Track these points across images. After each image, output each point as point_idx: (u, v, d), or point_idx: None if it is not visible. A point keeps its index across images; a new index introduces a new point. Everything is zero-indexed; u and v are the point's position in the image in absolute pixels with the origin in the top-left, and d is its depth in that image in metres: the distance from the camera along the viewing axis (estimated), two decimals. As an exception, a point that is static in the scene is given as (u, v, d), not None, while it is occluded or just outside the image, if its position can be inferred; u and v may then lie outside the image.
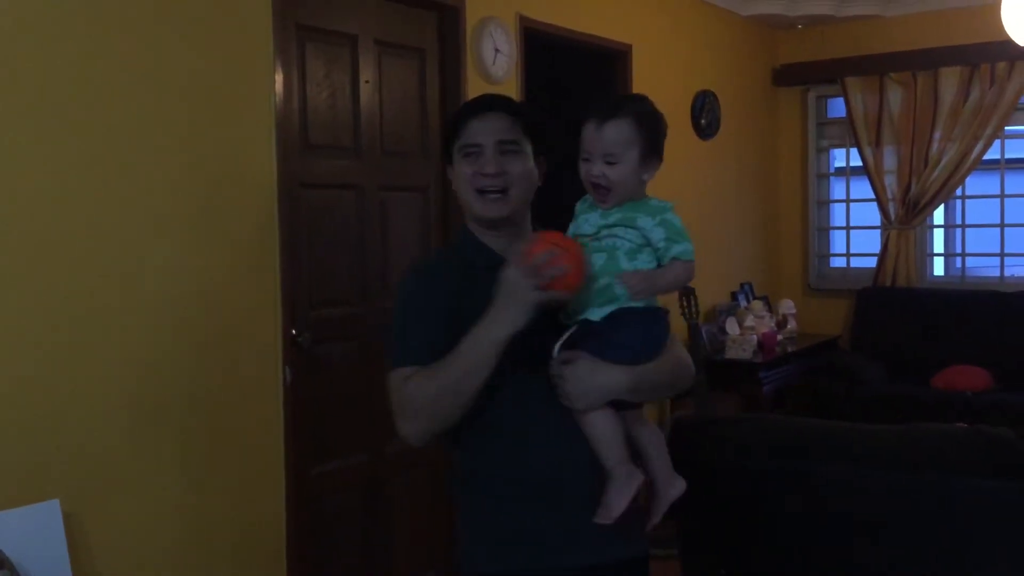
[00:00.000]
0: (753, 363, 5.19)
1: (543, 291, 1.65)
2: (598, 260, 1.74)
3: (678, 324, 5.14)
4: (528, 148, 1.84)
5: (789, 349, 5.59)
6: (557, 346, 1.75)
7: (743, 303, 5.81)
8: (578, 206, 1.84)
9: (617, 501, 1.72)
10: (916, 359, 5.57)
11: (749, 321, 5.52)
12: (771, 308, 6.01)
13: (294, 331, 3.16)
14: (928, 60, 5.81)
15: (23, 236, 2.42)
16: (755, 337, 5.38)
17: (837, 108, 6.41)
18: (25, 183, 2.43)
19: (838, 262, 6.51)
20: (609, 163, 1.74)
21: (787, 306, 6.04)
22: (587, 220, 1.80)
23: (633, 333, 1.75)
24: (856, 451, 2.52)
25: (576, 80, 4.91)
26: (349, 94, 3.43)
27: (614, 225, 1.75)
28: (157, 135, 2.72)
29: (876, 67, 5.96)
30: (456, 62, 3.79)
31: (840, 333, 6.17)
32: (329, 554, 3.32)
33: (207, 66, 2.86)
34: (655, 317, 1.80)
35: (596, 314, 1.74)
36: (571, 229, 1.82)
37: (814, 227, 6.49)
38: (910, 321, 5.75)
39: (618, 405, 1.77)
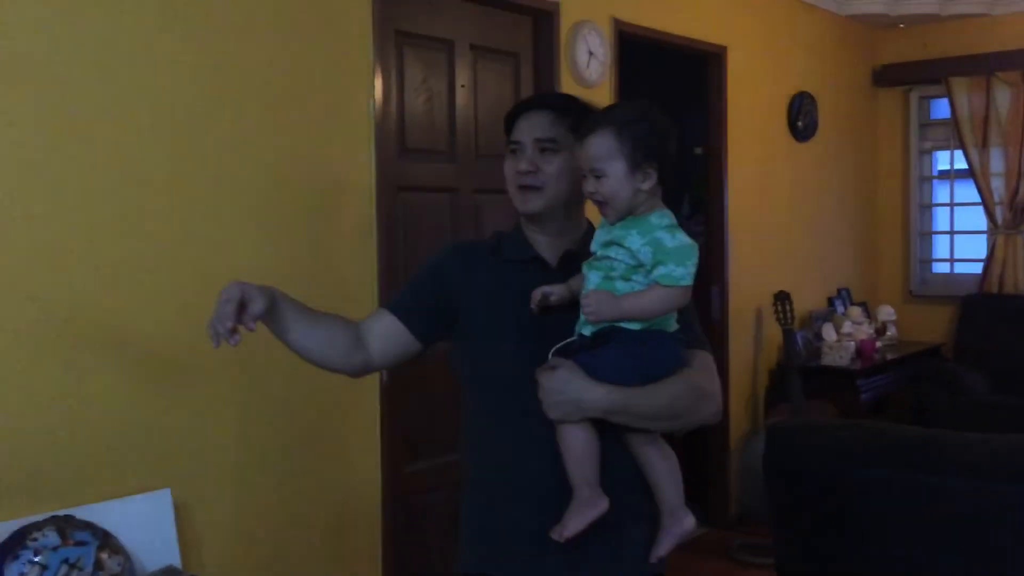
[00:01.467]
0: (851, 370, 5.09)
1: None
2: (594, 279, 1.70)
3: (773, 330, 5.08)
4: (571, 148, 1.81)
5: (888, 357, 5.45)
6: (552, 351, 1.73)
7: (840, 309, 5.69)
8: (600, 222, 1.81)
9: (573, 522, 1.66)
10: (1023, 369, 5.37)
11: (847, 327, 5.41)
12: (870, 314, 5.87)
13: (390, 331, 3.21)
14: (1038, 59, 5.61)
15: (129, 246, 2.53)
16: (853, 344, 5.26)
17: (940, 109, 6.22)
18: (130, 189, 2.53)
19: (941, 268, 6.32)
20: (598, 177, 1.70)
21: (887, 312, 5.89)
22: (596, 237, 1.76)
23: (619, 354, 1.68)
24: (959, 460, 2.45)
25: (671, 82, 4.89)
26: (445, 98, 3.48)
27: (609, 243, 1.71)
28: (258, 140, 2.80)
29: (982, 67, 5.77)
30: (550, 66, 3.82)
31: (943, 341, 5.99)
32: (422, 549, 3.37)
33: (309, 72, 2.94)
34: (653, 341, 1.70)
35: (588, 329, 1.70)
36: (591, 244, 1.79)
37: (916, 231, 6.31)
38: (1018, 329, 5.55)
39: (614, 427, 1.70)
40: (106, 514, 2.33)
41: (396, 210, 3.28)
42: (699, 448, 5.04)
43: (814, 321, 5.46)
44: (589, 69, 3.97)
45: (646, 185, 1.70)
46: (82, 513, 2.27)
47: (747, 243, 5.03)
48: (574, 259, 1.82)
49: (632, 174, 1.68)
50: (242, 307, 1.69)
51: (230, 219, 2.73)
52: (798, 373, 4.83)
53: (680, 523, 1.75)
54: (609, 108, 1.79)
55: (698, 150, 5.13)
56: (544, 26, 3.82)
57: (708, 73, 4.85)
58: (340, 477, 3.04)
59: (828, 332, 5.35)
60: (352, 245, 3.09)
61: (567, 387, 1.67)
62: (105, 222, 2.46)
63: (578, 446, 1.69)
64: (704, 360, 1.82)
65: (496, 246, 1.92)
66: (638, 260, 1.67)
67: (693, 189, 5.37)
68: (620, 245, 1.68)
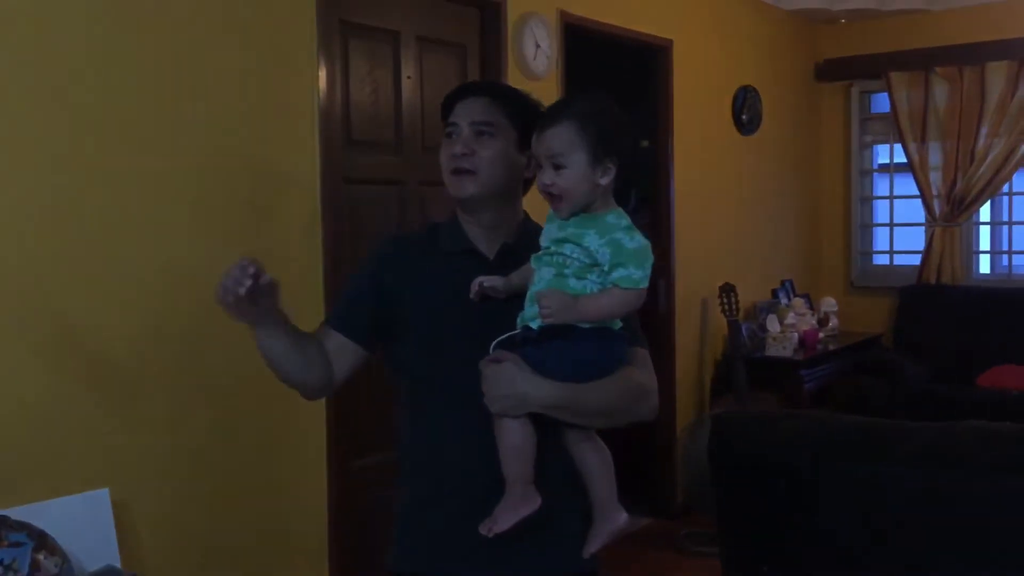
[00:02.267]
0: (794, 361, 5.16)
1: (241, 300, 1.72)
2: (546, 274, 1.66)
3: (718, 321, 5.14)
4: (508, 134, 1.80)
5: (831, 347, 5.54)
6: (494, 343, 1.69)
7: (784, 300, 5.77)
8: (548, 215, 1.76)
9: (503, 518, 1.63)
10: (961, 358, 5.50)
11: (790, 318, 5.48)
12: (812, 306, 5.96)
13: (336, 325, 3.18)
14: (975, 55, 5.72)
15: (64, 238, 2.47)
16: (796, 335, 5.34)
17: (881, 103, 6.33)
18: (64, 182, 2.47)
19: (881, 259, 6.44)
20: (557, 168, 1.64)
21: (829, 304, 5.99)
22: (546, 232, 1.71)
23: (562, 350, 1.65)
24: (899, 448, 2.50)
25: (617, 75, 4.90)
26: (391, 90, 3.45)
27: (563, 240, 1.66)
28: (200, 132, 2.76)
29: (921, 62, 5.88)
30: (497, 58, 3.81)
31: (883, 331, 6.10)
32: (370, 546, 3.34)
33: (251, 63, 2.89)
34: (601, 338, 1.68)
35: (535, 323, 1.66)
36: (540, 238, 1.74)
37: (857, 224, 6.42)
38: (955, 319, 5.68)
39: (551, 422, 1.68)
40: (43, 514, 2.27)
41: (342, 202, 3.25)
42: (645, 438, 5.07)
43: (758, 312, 5.52)
44: (536, 61, 3.96)
45: (604, 180, 1.66)
46: (17, 514, 2.22)
47: (693, 235, 5.08)
48: (511, 253, 1.80)
49: (592, 168, 1.65)
50: (255, 277, 1.67)
51: (170, 213, 2.68)
52: (743, 364, 4.88)
53: (612, 520, 1.73)
54: (571, 99, 1.76)
55: (644, 143, 5.16)
56: (491, 18, 3.80)
57: (654, 66, 4.87)
58: (284, 473, 3.01)
59: (772, 323, 5.42)
60: (298, 238, 3.05)
61: (512, 381, 1.64)
62: (38, 217, 2.40)
63: (515, 441, 1.66)
64: (643, 357, 1.82)
65: (431, 237, 1.89)
66: (594, 260, 1.64)
67: (639, 182, 5.41)
68: (576, 243, 1.64)
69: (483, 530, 1.64)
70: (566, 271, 1.65)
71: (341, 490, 3.18)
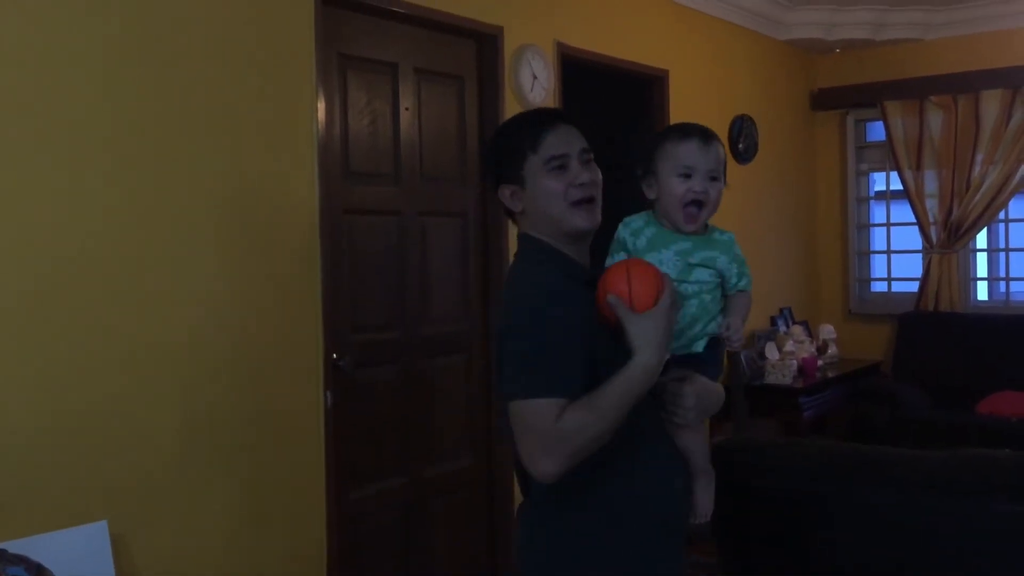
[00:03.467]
0: (793, 388, 5.16)
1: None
2: (691, 306, 1.78)
3: (717, 349, 5.13)
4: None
5: (830, 374, 5.54)
6: (671, 370, 1.80)
7: (783, 328, 5.78)
8: (622, 231, 1.82)
9: (709, 501, 1.88)
10: (960, 385, 5.49)
11: (789, 346, 5.49)
12: (811, 333, 5.97)
13: (335, 355, 3.19)
14: (969, 83, 5.77)
15: (69, 267, 2.48)
16: (795, 362, 5.34)
17: (876, 132, 6.37)
18: (72, 214, 2.48)
19: (879, 287, 6.45)
20: (714, 180, 1.78)
21: (827, 331, 5.99)
22: (661, 261, 1.75)
23: (715, 359, 1.87)
24: (898, 476, 2.49)
25: (614, 105, 4.94)
26: (389, 121, 3.48)
27: (694, 266, 1.78)
28: (200, 165, 2.77)
29: (916, 91, 5.92)
30: (494, 89, 3.84)
31: (882, 359, 6.11)
32: (368, 575, 3.33)
33: (251, 95, 2.91)
34: (719, 343, 1.89)
35: (699, 346, 1.82)
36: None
37: (854, 251, 6.44)
38: (954, 346, 5.68)
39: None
40: (42, 547, 2.26)
41: (341, 233, 3.26)
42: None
43: (757, 340, 5.53)
44: (533, 92, 3.99)
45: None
46: (15, 547, 2.21)
47: (691, 264, 5.08)
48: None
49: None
50: None
51: (171, 243, 2.69)
52: (742, 391, 4.88)
53: (711, 476, 1.91)
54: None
55: (640, 172, 5.18)
56: (488, 50, 3.84)
57: (651, 96, 4.91)
58: (284, 504, 2.99)
59: (771, 351, 5.42)
60: (297, 268, 3.06)
61: (710, 394, 1.83)
62: (40, 249, 2.41)
63: (703, 437, 1.88)
64: None
65: (562, 274, 1.77)
66: (722, 277, 1.81)
67: (635, 211, 5.42)
68: (708, 267, 1.79)
69: (702, 519, 1.88)
70: (704, 295, 1.79)
71: (340, 521, 3.17)
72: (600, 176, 1.82)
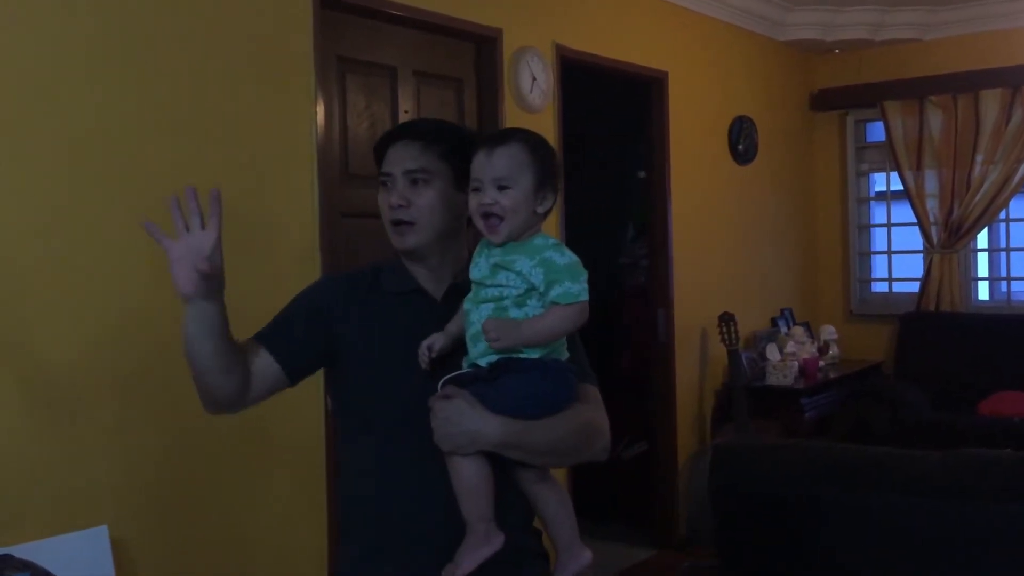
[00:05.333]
0: (794, 389, 5.15)
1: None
2: (485, 310, 1.64)
3: (718, 350, 5.13)
4: (444, 175, 1.77)
5: (831, 375, 5.53)
6: (443, 381, 1.66)
7: (784, 329, 5.77)
8: (476, 248, 1.73)
9: (467, 559, 1.58)
10: (962, 385, 5.48)
11: (790, 347, 5.48)
12: (812, 334, 5.96)
13: (335, 359, 3.18)
14: (968, 83, 5.77)
15: (71, 269, 2.48)
16: (796, 363, 5.33)
17: (876, 132, 6.37)
18: (70, 222, 2.48)
19: (880, 287, 6.45)
20: (501, 188, 1.63)
21: (828, 332, 5.99)
22: (476, 264, 1.68)
23: (514, 385, 1.62)
24: (900, 477, 2.49)
25: (613, 107, 4.94)
26: (388, 124, 3.47)
27: (497, 268, 1.64)
28: (198, 167, 2.77)
29: (915, 91, 5.92)
30: (493, 92, 3.83)
31: (883, 359, 6.10)
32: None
33: (250, 99, 2.91)
34: (551, 371, 1.65)
35: (483, 360, 1.64)
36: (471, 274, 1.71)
37: (855, 252, 6.43)
38: (955, 346, 5.67)
39: (503, 460, 1.64)
40: (44, 552, 2.26)
41: (339, 236, 3.26)
42: (647, 470, 5.06)
43: (758, 341, 5.52)
44: (532, 94, 3.99)
45: (542, 208, 1.67)
46: (21, 552, 2.21)
47: (691, 265, 5.09)
48: (459, 293, 1.73)
49: (535, 193, 1.65)
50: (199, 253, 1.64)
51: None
52: (744, 393, 4.88)
53: (577, 559, 1.69)
54: (514, 128, 1.76)
55: (641, 174, 5.19)
56: (487, 52, 3.84)
57: (650, 98, 4.90)
58: (284, 508, 2.99)
59: (772, 352, 5.42)
60: (296, 270, 3.05)
61: (462, 418, 1.60)
62: (32, 254, 2.41)
63: (471, 479, 1.61)
64: (593, 394, 1.78)
65: (374, 279, 1.84)
66: (530, 283, 1.62)
67: (636, 213, 5.42)
68: (508, 269, 1.63)
69: (447, 574, 1.59)
70: (505, 303, 1.63)
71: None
72: (428, 200, 1.75)
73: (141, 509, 2.59)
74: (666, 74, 4.89)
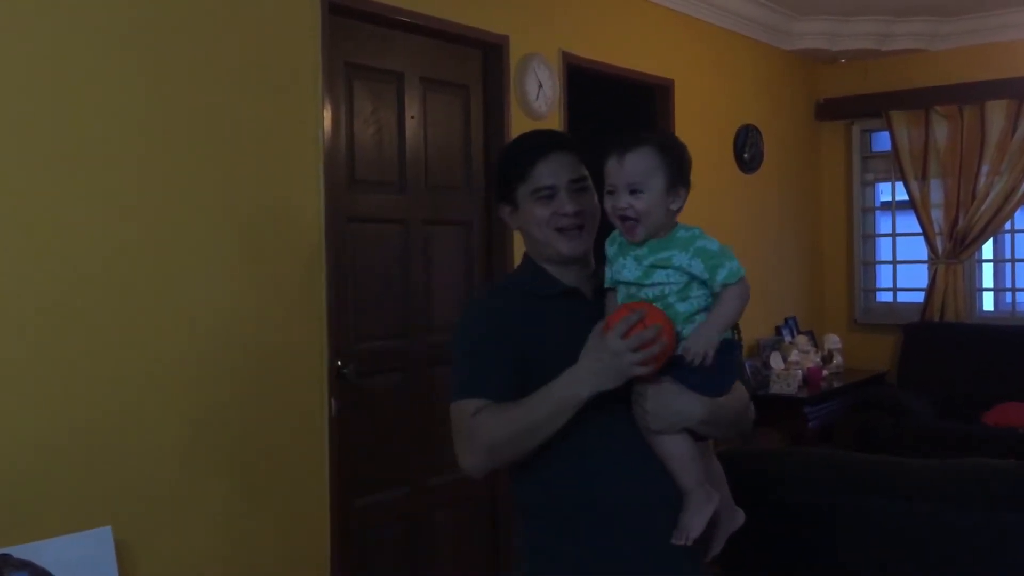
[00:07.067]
0: (798, 398, 5.14)
1: (642, 366, 1.67)
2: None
3: (722, 358, 5.13)
4: (591, 182, 1.87)
5: (835, 384, 5.53)
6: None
7: (788, 338, 5.77)
8: (608, 248, 1.82)
9: (696, 522, 1.72)
10: (966, 395, 5.47)
11: (794, 356, 5.48)
12: (816, 343, 5.96)
13: (340, 363, 3.19)
14: (974, 93, 5.77)
15: (76, 274, 2.49)
16: (800, 372, 5.33)
17: (882, 142, 6.37)
18: (81, 224, 2.49)
19: (884, 297, 6.44)
20: (634, 192, 1.72)
21: (833, 341, 5.98)
22: (624, 267, 1.76)
23: (710, 367, 1.73)
24: (904, 486, 2.49)
25: (618, 115, 4.94)
26: (395, 130, 3.49)
27: (652, 268, 1.72)
28: (206, 173, 2.78)
29: (921, 100, 5.92)
30: (500, 98, 3.84)
31: (887, 369, 6.09)
32: (372, 586, 3.32)
33: (258, 105, 2.92)
34: (727, 352, 1.76)
35: (678, 348, 1.72)
36: (608, 275, 1.80)
37: (859, 261, 6.43)
38: (959, 357, 5.66)
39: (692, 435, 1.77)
40: (46, 552, 2.27)
41: (346, 241, 3.27)
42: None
43: (762, 350, 5.52)
44: (538, 101, 4.00)
45: (675, 206, 1.76)
46: (20, 552, 2.21)
47: (695, 273, 5.07)
48: (603, 289, 1.83)
49: (667, 193, 1.74)
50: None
51: (175, 253, 2.70)
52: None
53: (733, 518, 1.87)
54: (643, 130, 1.85)
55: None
56: (493, 59, 3.85)
57: (655, 106, 4.91)
58: (288, 512, 3.00)
59: (776, 360, 5.41)
60: (302, 276, 3.06)
61: (675, 400, 1.72)
62: (48, 262, 2.42)
63: (685, 450, 1.74)
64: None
65: (519, 285, 1.89)
66: (691, 275, 1.70)
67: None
68: (664, 267, 1.71)
69: (679, 541, 1.71)
70: (669, 299, 1.71)
71: (343, 530, 3.17)
72: (594, 203, 1.86)
73: (145, 510, 2.60)
74: (672, 82, 4.90)
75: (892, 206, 6.36)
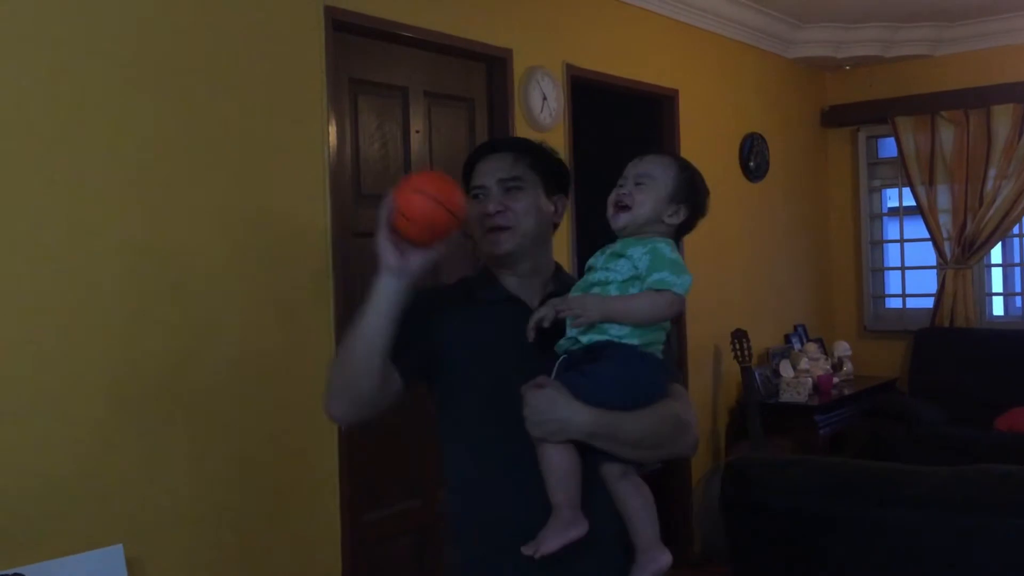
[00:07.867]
0: (808, 406, 5.13)
1: (389, 234, 1.66)
2: (591, 291, 1.72)
3: (731, 367, 5.12)
4: (536, 185, 1.86)
5: (845, 392, 5.51)
6: (557, 364, 1.71)
7: (797, 346, 5.76)
8: (594, 259, 1.80)
9: (550, 540, 1.62)
10: (977, 401, 5.44)
11: (804, 364, 5.46)
12: (826, 350, 5.94)
13: (348, 377, 3.19)
14: (980, 98, 5.77)
15: (88, 290, 2.50)
16: (810, 380, 5.32)
17: (888, 148, 6.36)
18: (89, 239, 2.51)
19: (894, 303, 6.43)
20: (639, 184, 1.75)
21: (842, 348, 5.97)
22: (597, 259, 1.77)
23: (608, 375, 1.66)
24: (915, 493, 2.48)
25: (623, 125, 4.95)
26: (400, 144, 3.50)
27: (613, 256, 1.73)
28: (212, 188, 2.80)
29: (927, 106, 5.92)
30: (504, 111, 3.86)
31: (898, 375, 6.07)
32: (384, 600, 3.32)
33: (263, 120, 2.94)
34: (643, 364, 1.69)
35: (584, 337, 1.68)
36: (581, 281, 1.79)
37: (868, 268, 6.42)
38: (970, 362, 5.64)
39: (591, 450, 1.67)
40: (59, 571, 2.28)
41: (352, 256, 3.27)
42: (661, 486, 5.03)
43: (772, 358, 5.51)
44: (543, 113, 4.01)
45: (671, 219, 1.76)
46: (34, 571, 2.22)
47: (703, 282, 5.05)
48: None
49: (669, 200, 1.75)
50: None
51: (184, 269, 2.71)
52: (757, 410, 4.86)
53: (656, 561, 1.73)
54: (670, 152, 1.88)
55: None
56: (497, 72, 3.86)
57: (660, 116, 4.92)
58: (299, 528, 3.00)
59: (786, 369, 5.40)
60: (309, 291, 3.07)
61: (552, 407, 1.64)
62: (55, 275, 2.43)
63: (560, 466, 1.66)
64: (681, 391, 1.82)
65: (465, 288, 1.91)
66: (636, 269, 1.68)
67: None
68: (622, 257, 1.71)
69: (528, 551, 1.62)
70: (610, 287, 1.69)
71: (354, 543, 3.17)
72: (529, 202, 1.84)
73: (156, 528, 2.60)
74: (677, 92, 4.91)
75: (900, 212, 6.35)
